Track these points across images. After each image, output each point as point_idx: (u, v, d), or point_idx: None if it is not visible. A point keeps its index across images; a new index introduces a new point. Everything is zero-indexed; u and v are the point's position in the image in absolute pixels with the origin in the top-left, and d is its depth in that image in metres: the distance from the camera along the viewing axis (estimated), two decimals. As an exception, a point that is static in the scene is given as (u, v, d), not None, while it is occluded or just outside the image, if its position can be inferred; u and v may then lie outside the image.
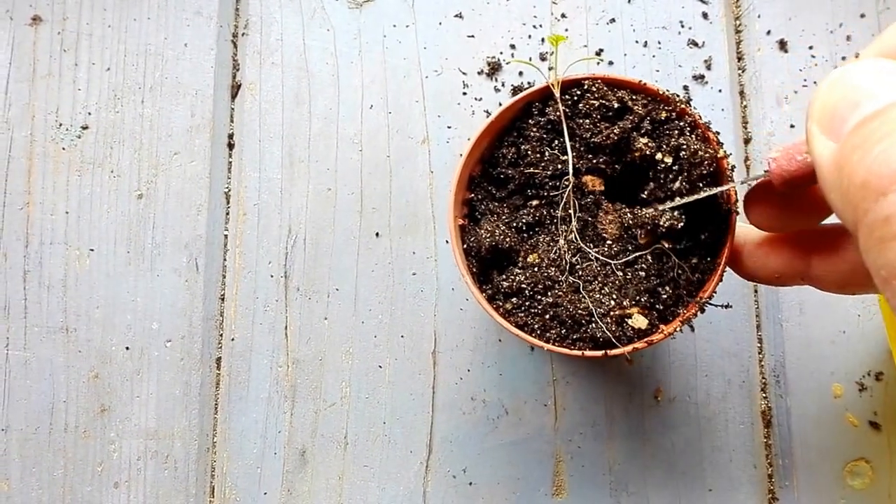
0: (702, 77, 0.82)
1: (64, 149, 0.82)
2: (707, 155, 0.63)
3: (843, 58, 0.82)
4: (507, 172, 0.67)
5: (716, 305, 0.64)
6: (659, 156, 0.63)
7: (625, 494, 0.75)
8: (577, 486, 0.75)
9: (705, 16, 0.83)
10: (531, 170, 0.66)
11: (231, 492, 0.76)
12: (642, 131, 0.64)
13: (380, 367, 0.78)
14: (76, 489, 0.76)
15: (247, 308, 0.79)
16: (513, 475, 0.76)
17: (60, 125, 0.82)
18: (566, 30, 0.83)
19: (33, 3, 0.84)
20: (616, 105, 0.64)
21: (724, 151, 0.63)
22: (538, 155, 0.66)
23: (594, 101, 0.64)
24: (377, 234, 0.80)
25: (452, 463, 0.76)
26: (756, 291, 0.78)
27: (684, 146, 0.63)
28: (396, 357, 0.78)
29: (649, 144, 0.64)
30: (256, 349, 0.78)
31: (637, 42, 0.83)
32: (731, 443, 0.76)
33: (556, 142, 0.66)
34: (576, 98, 0.65)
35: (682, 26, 0.83)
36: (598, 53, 0.83)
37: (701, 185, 0.64)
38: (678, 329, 0.60)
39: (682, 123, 0.64)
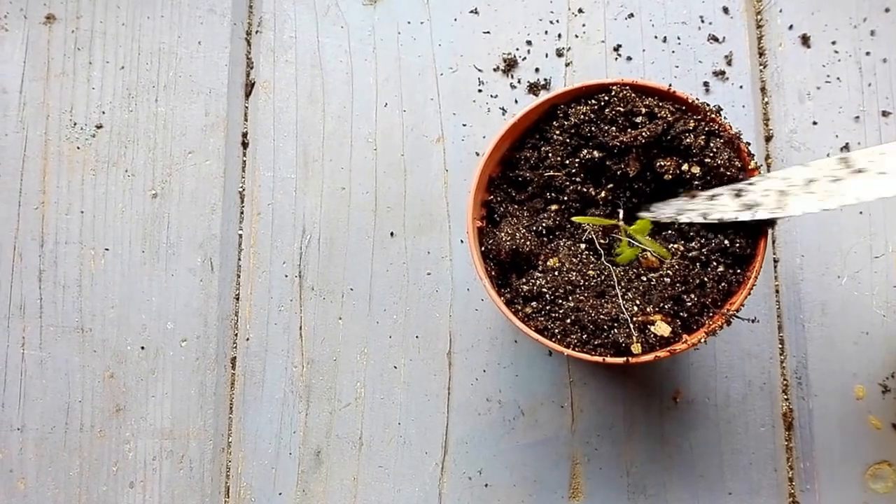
0: (722, 73, 0.80)
1: (78, 148, 0.82)
2: (737, 167, 0.62)
3: (868, 53, 0.80)
4: (526, 175, 0.66)
5: (743, 319, 0.63)
6: (686, 167, 0.62)
7: (643, 497, 0.74)
8: (595, 489, 0.75)
9: (726, 10, 0.82)
10: (551, 172, 0.65)
11: (246, 492, 0.76)
12: (664, 146, 0.63)
13: (395, 367, 0.77)
14: (91, 489, 0.76)
15: (261, 308, 0.79)
16: (529, 477, 0.75)
17: (75, 124, 0.82)
18: (583, 25, 0.82)
19: (47, 2, 0.84)
20: (643, 112, 0.63)
21: (755, 163, 0.62)
22: (559, 159, 0.65)
23: (620, 108, 0.63)
24: (392, 234, 0.79)
25: (468, 464, 0.76)
26: (777, 292, 0.77)
27: (713, 157, 0.62)
28: (411, 357, 0.77)
29: (675, 161, 0.63)
30: (271, 349, 0.78)
31: (656, 37, 0.81)
32: (751, 445, 0.75)
33: (584, 151, 0.65)
34: (602, 104, 0.64)
35: (703, 21, 0.81)
36: (616, 49, 0.81)
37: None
38: (702, 340, 0.59)
39: (711, 132, 0.63)
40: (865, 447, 0.74)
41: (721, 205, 0.61)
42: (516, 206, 0.67)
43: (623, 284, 0.62)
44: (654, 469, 0.75)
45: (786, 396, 0.76)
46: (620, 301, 0.60)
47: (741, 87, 0.80)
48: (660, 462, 0.75)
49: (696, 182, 0.62)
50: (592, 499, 0.75)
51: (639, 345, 0.59)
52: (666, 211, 0.63)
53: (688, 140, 0.62)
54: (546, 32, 0.82)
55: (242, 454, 0.77)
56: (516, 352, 0.77)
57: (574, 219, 0.62)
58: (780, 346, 0.76)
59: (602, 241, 0.64)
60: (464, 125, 0.81)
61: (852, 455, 0.74)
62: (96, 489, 0.76)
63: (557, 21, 0.83)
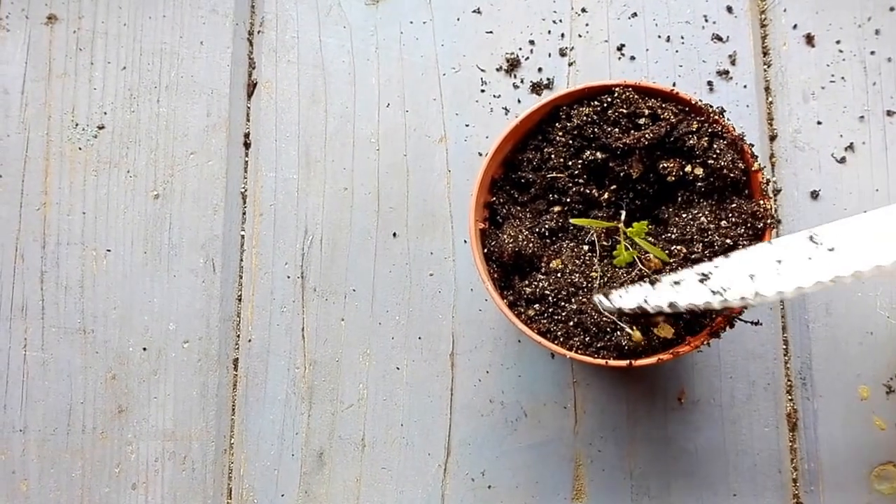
0: (726, 73, 0.80)
1: (80, 149, 0.81)
2: (740, 168, 0.62)
3: (872, 52, 0.79)
4: (528, 177, 0.66)
5: (745, 321, 0.62)
6: (688, 168, 0.62)
7: (646, 499, 0.74)
8: (598, 491, 0.74)
9: (730, 10, 0.81)
10: (554, 174, 0.65)
11: (248, 493, 0.76)
12: (667, 147, 0.63)
13: (397, 368, 0.77)
14: (94, 490, 0.76)
15: (263, 309, 0.78)
16: (532, 479, 0.75)
17: (77, 125, 0.82)
18: (587, 24, 0.82)
19: (49, 2, 0.84)
20: (647, 113, 0.63)
21: (759, 164, 0.62)
22: (561, 160, 0.65)
23: (623, 109, 0.63)
24: (394, 235, 0.79)
25: (471, 466, 0.75)
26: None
27: (716, 159, 0.61)
28: (414, 359, 0.77)
29: (678, 162, 0.63)
30: (273, 350, 0.78)
31: (660, 37, 0.81)
32: (755, 446, 0.74)
33: (586, 153, 0.64)
34: (605, 105, 0.64)
35: (706, 20, 0.81)
36: (620, 49, 0.81)
37: (731, 198, 0.63)
38: (706, 343, 0.59)
39: (714, 134, 0.62)
40: (870, 448, 0.74)
41: (687, 291, 0.57)
42: (519, 208, 0.66)
43: (627, 287, 0.61)
44: (658, 470, 0.74)
45: (790, 397, 0.75)
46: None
47: (745, 86, 0.80)
48: (663, 463, 0.74)
49: (700, 184, 0.62)
50: (595, 500, 0.74)
51: (641, 337, 0.58)
52: (628, 301, 0.59)
53: (691, 141, 0.62)
54: (549, 32, 0.82)
55: (245, 455, 0.77)
56: (519, 353, 0.77)
57: (573, 221, 0.61)
58: (785, 346, 0.76)
59: (605, 242, 0.63)
60: (466, 125, 0.81)
61: (857, 456, 0.74)
62: (98, 490, 0.76)
63: (560, 21, 0.82)
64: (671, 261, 0.61)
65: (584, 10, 0.82)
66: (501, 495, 0.75)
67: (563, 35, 0.82)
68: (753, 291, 0.55)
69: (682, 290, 0.57)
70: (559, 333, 0.60)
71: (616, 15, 0.82)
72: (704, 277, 0.57)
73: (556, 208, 0.65)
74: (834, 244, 0.55)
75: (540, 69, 0.81)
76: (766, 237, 0.61)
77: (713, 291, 0.56)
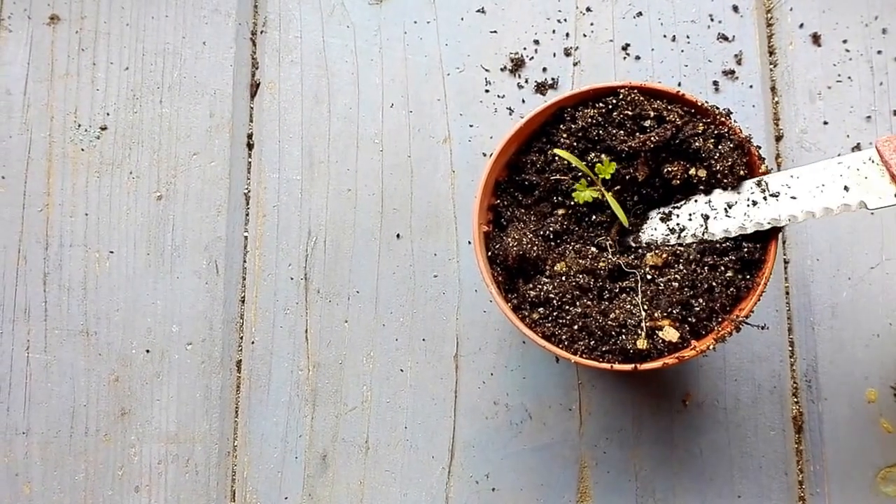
0: (732, 72, 0.79)
1: (83, 150, 0.81)
2: (745, 170, 0.62)
3: (879, 52, 0.79)
4: (532, 179, 0.65)
5: (752, 325, 0.62)
6: (693, 171, 0.62)
7: (651, 501, 0.74)
8: (603, 493, 0.74)
9: (735, 9, 0.81)
10: (557, 176, 0.64)
11: (252, 496, 0.76)
12: (673, 149, 0.63)
13: (401, 370, 0.77)
14: (97, 493, 0.76)
15: (267, 311, 0.78)
16: (536, 481, 0.75)
17: (79, 126, 0.81)
18: (591, 24, 0.81)
19: (51, 2, 0.83)
20: (652, 115, 0.62)
21: (766, 166, 0.61)
22: (565, 162, 0.64)
23: (629, 111, 0.63)
24: (398, 236, 0.79)
25: (475, 468, 0.75)
26: (787, 293, 0.76)
27: (722, 161, 0.61)
28: (418, 361, 0.77)
29: (682, 165, 0.62)
30: (277, 352, 0.78)
31: (665, 36, 0.81)
32: (760, 449, 0.74)
33: (591, 155, 0.64)
34: (610, 107, 0.63)
35: (712, 20, 0.81)
36: (625, 48, 0.81)
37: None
38: (711, 347, 0.59)
39: (720, 136, 0.62)
40: (876, 450, 0.73)
41: (651, 228, 0.64)
42: (523, 211, 0.66)
43: (631, 289, 0.61)
44: (663, 472, 0.74)
45: (796, 399, 0.75)
46: (640, 297, 0.59)
47: (751, 86, 0.79)
48: (669, 465, 0.74)
49: (703, 186, 0.62)
50: (600, 502, 0.74)
51: (646, 342, 0.58)
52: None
53: (697, 144, 0.61)
54: (554, 32, 0.82)
55: (248, 458, 0.76)
56: (524, 354, 0.76)
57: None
58: (790, 348, 0.75)
59: (612, 246, 0.63)
60: (470, 126, 0.80)
61: (863, 458, 0.73)
62: (102, 493, 0.76)
63: (565, 20, 0.82)
64: (679, 263, 0.61)
65: (588, 10, 0.82)
66: (506, 498, 0.75)
67: (567, 35, 0.81)
68: (702, 230, 0.62)
69: (647, 227, 0.64)
70: (564, 337, 0.60)
71: (621, 14, 0.81)
72: (666, 217, 0.64)
73: (560, 211, 0.65)
74: (777, 190, 0.61)
75: (544, 69, 0.81)
76: (771, 241, 0.61)
77: (671, 230, 0.63)
